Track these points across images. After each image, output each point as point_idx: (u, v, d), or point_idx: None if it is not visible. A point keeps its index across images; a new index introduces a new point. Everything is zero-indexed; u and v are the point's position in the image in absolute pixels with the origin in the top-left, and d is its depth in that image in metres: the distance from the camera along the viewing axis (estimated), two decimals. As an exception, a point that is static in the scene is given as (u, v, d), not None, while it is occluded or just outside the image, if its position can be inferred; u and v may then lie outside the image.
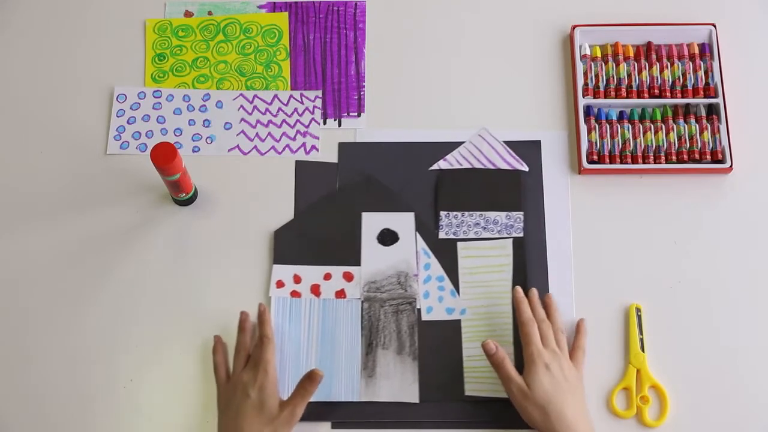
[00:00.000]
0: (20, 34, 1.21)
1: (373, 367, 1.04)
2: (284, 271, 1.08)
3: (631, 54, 1.17)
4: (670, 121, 1.13)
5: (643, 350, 1.04)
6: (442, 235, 1.10)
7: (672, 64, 1.16)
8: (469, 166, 1.12)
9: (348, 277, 1.08)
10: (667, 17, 1.18)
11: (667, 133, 1.13)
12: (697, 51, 1.16)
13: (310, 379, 0.98)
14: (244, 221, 1.11)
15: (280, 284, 1.08)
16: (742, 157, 1.12)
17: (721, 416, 1.02)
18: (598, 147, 1.13)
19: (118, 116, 1.16)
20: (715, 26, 1.16)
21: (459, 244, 1.09)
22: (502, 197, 1.11)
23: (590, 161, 1.12)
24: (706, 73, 1.15)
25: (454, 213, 1.10)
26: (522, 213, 1.10)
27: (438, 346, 1.05)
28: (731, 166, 1.11)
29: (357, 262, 1.09)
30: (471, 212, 1.10)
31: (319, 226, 1.10)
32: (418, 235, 1.10)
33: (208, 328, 1.06)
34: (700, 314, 1.06)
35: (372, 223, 1.10)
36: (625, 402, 1.03)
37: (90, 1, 1.22)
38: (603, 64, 1.16)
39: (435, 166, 1.12)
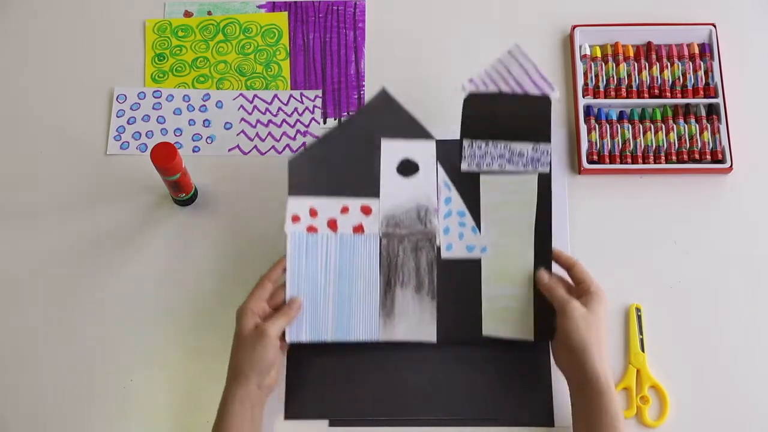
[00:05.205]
0: (20, 34, 1.21)
1: (392, 305, 1.01)
2: (300, 205, 1.02)
3: (631, 54, 1.17)
4: (670, 121, 1.13)
5: (643, 350, 1.04)
6: (464, 167, 1.04)
7: (672, 64, 1.16)
8: (496, 90, 1.02)
9: (366, 210, 1.03)
10: (667, 17, 1.18)
11: (667, 133, 1.13)
12: (697, 51, 1.16)
13: (290, 305, 0.99)
14: (244, 221, 1.11)
15: (295, 219, 1.02)
16: (742, 157, 1.12)
17: (721, 416, 1.02)
18: (598, 147, 1.13)
19: (118, 116, 1.16)
20: (715, 26, 1.16)
21: (482, 177, 1.03)
22: (529, 126, 1.02)
23: (590, 161, 1.12)
24: (706, 73, 1.15)
25: (479, 142, 1.03)
26: (550, 145, 1.01)
27: (457, 285, 1.02)
28: (731, 166, 1.11)
29: (375, 193, 1.03)
30: (496, 142, 1.02)
31: (336, 153, 1.03)
32: (439, 166, 1.04)
33: (207, 328, 1.06)
34: (700, 314, 1.06)
35: (391, 150, 1.04)
36: (625, 402, 1.03)
37: (90, 2, 1.22)
38: (603, 64, 1.16)
39: (460, 89, 1.03)
